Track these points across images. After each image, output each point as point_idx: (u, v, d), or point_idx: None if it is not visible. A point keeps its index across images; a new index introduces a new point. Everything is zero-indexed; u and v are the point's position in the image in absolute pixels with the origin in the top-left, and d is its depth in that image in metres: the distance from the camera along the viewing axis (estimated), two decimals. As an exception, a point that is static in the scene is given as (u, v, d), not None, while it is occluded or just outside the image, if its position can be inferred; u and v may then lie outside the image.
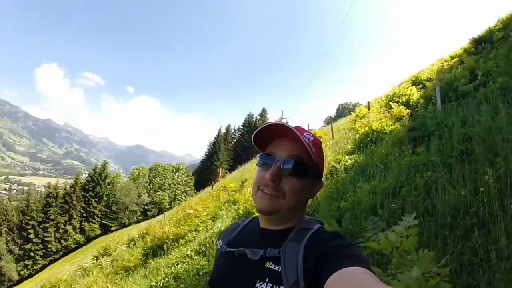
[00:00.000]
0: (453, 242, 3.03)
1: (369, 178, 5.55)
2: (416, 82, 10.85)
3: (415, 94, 9.35)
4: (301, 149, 0.88)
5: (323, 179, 1.01)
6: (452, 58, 11.05)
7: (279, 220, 0.92)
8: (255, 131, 0.93)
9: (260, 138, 0.95)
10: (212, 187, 18.10)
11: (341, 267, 0.67)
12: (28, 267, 39.32)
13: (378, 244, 2.05)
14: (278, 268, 0.81)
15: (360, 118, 10.15)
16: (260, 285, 0.80)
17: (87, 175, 51.37)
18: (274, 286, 0.79)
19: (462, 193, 3.53)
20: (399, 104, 9.13)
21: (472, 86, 6.86)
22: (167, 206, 48.28)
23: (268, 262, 0.84)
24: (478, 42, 9.78)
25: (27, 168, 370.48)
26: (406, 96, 9.44)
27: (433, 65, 12.21)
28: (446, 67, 10.11)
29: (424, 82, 10.29)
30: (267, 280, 0.80)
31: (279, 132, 0.91)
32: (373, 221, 3.09)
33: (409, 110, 8.39)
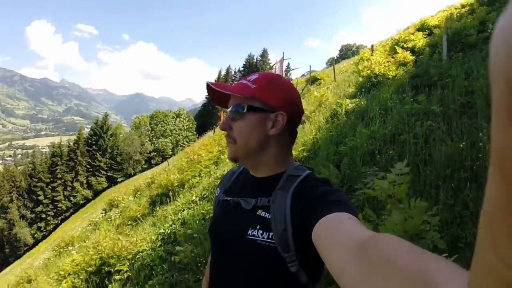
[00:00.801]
0: (446, 193, 3.09)
1: (369, 123, 5.56)
2: (423, 28, 10.37)
3: (421, 40, 9.01)
4: (239, 94, 0.90)
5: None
6: (463, 6, 10.45)
7: (255, 165, 0.94)
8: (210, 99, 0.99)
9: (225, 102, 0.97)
10: (214, 131, 17.75)
11: (325, 213, 0.67)
12: (41, 229, 40.50)
13: (373, 191, 2.12)
14: (268, 215, 0.84)
15: (364, 61, 9.92)
16: (252, 232, 0.84)
17: (89, 129, 51.38)
18: (265, 232, 0.83)
19: (459, 146, 3.55)
20: (404, 49, 8.86)
21: (480, 38, 6.61)
22: (170, 153, 48.44)
23: (259, 210, 0.87)
24: (491, -8, 9.14)
25: (29, 131, 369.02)
26: (412, 42, 9.13)
27: (442, 12, 11.61)
28: (455, 15, 9.61)
29: (431, 29, 9.85)
30: (257, 227, 0.84)
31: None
32: (373, 168, 3.15)
33: (414, 56, 8.14)
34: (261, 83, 0.90)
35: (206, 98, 55.33)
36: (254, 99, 0.89)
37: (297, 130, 0.98)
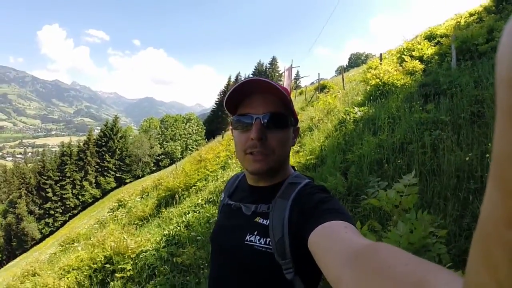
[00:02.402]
0: (455, 204, 3.01)
1: (377, 131, 5.52)
2: (430, 37, 10.29)
3: (428, 49, 8.94)
4: (275, 100, 0.87)
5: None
6: (471, 15, 10.32)
7: (269, 177, 0.92)
8: (228, 94, 0.89)
9: (230, 102, 0.92)
10: (223, 136, 18.02)
11: (321, 221, 0.67)
12: (49, 224, 40.97)
13: (379, 201, 2.09)
14: (266, 222, 0.84)
15: (373, 70, 9.92)
16: (249, 237, 0.85)
17: (99, 131, 51.78)
18: (262, 238, 0.83)
19: (469, 157, 3.46)
20: (413, 58, 8.80)
21: (489, 46, 6.50)
22: (179, 156, 48.78)
23: (258, 217, 0.87)
24: (499, 1, 8.99)
25: (39, 130, 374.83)
26: (420, 51, 9.06)
27: (450, 20, 11.53)
28: (463, 24, 9.51)
29: (438, 38, 9.77)
30: (255, 233, 0.84)
31: (247, 90, 0.89)
32: (376, 180, 3.07)
33: (423, 65, 8.09)
34: (289, 96, 0.90)
35: (215, 103, 55.64)
36: (293, 113, 0.91)
37: None
